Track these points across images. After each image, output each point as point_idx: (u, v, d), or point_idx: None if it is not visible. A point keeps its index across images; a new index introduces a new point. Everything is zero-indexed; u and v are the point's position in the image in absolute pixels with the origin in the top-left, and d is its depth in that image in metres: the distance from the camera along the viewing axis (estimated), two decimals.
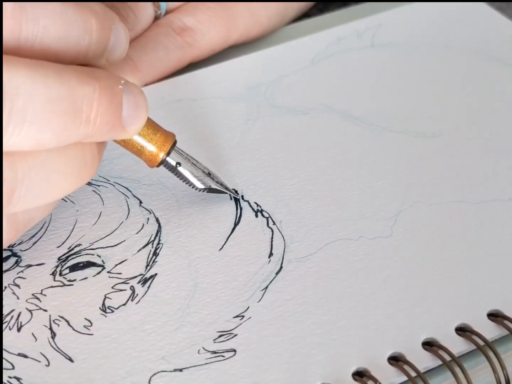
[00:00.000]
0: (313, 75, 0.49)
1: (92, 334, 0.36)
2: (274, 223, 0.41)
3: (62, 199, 0.41)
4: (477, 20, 0.53)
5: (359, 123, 0.46)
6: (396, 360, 0.35)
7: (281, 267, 0.39)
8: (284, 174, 0.43)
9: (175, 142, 0.39)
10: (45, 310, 0.37)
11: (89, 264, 0.38)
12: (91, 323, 0.36)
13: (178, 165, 0.39)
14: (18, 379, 0.34)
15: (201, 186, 0.40)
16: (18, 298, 0.37)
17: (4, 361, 0.35)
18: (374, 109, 0.47)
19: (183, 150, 0.40)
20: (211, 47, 0.50)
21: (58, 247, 0.39)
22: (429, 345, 0.36)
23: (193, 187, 0.40)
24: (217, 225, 0.40)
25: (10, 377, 0.34)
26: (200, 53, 0.50)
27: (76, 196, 0.42)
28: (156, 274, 0.38)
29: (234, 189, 0.42)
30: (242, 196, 0.42)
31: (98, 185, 0.42)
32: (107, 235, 0.40)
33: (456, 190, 0.42)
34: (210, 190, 0.41)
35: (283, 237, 0.40)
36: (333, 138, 0.45)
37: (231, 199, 0.42)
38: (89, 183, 0.42)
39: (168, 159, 0.39)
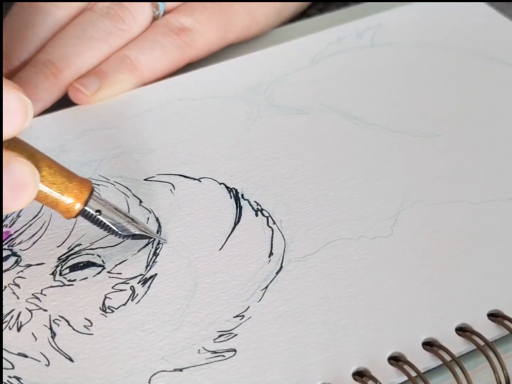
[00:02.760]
0: (313, 75, 0.49)
1: (92, 334, 0.36)
2: (274, 223, 0.41)
3: None
4: (477, 20, 0.53)
5: (359, 123, 0.46)
6: (396, 360, 0.35)
7: (281, 267, 0.39)
8: (284, 173, 0.43)
9: (92, 190, 0.37)
10: (45, 310, 0.37)
11: (89, 264, 0.38)
12: (91, 323, 0.36)
13: (98, 213, 0.38)
14: (18, 378, 0.34)
15: (124, 233, 0.38)
16: (18, 298, 0.37)
17: (4, 361, 0.35)
18: (374, 108, 0.47)
19: (102, 197, 0.39)
20: (209, 47, 0.50)
21: (58, 246, 0.39)
22: (429, 345, 0.36)
23: (115, 235, 0.38)
24: (217, 225, 0.40)
25: (10, 377, 0.34)
26: (198, 53, 0.50)
27: None
28: (156, 274, 0.38)
29: (235, 189, 0.42)
30: (242, 195, 0.42)
31: (98, 185, 0.42)
32: (107, 235, 0.40)
33: (456, 190, 0.42)
34: (134, 236, 0.39)
35: (283, 236, 0.40)
36: (333, 138, 0.45)
37: (154, 243, 0.39)
38: None
39: (87, 208, 0.37)
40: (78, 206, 0.37)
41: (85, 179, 0.37)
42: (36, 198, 0.36)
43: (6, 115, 0.34)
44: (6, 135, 0.34)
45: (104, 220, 0.38)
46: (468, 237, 0.40)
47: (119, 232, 0.38)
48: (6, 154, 0.34)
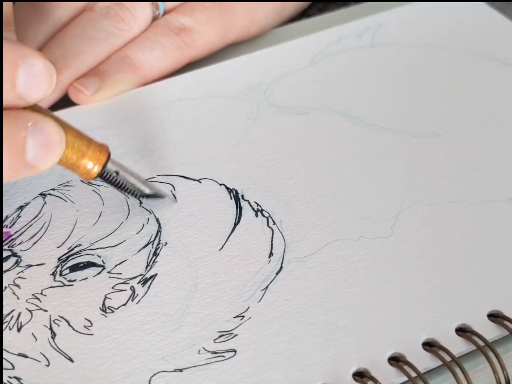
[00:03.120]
0: (313, 75, 0.49)
1: (92, 334, 0.36)
2: (274, 223, 0.41)
3: (62, 199, 0.41)
4: (477, 20, 0.53)
5: (359, 123, 0.46)
6: (396, 360, 0.35)
7: (281, 267, 0.39)
8: (284, 174, 0.43)
9: (109, 154, 0.39)
10: (45, 310, 0.37)
11: (89, 264, 0.38)
12: (91, 323, 0.36)
13: (117, 173, 0.39)
14: (18, 379, 0.34)
15: (147, 191, 0.40)
16: (18, 298, 0.37)
17: (4, 361, 0.35)
18: (374, 109, 0.47)
19: (118, 161, 0.40)
20: (209, 47, 0.50)
21: (58, 247, 0.39)
22: (429, 345, 0.36)
23: (135, 195, 0.40)
24: (217, 225, 0.40)
25: (10, 377, 0.34)
26: (198, 53, 0.50)
27: (76, 196, 0.42)
28: (156, 274, 0.38)
29: (235, 189, 0.42)
30: (242, 196, 0.42)
31: (98, 185, 0.42)
32: (107, 235, 0.40)
33: (456, 190, 0.42)
34: (148, 196, 0.41)
35: (283, 237, 0.40)
36: (333, 138, 0.45)
37: (175, 200, 0.41)
38: (89, 183, 0.42)
39: (107, 168, 0.39)
40: (97, 169, 0.38)
41: (102, 143, 0.39)
42: (59, 161, 0.37)
43: (33, 80, 0.35)
44: (32, 100, 0.36)
45: (122, 180, 0.40)
46: (468, 237, 0.40)
47: (142, 189, 0.40)
48: (34, 115, 0.36)
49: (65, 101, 0.47)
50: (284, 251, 0.39)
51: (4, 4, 0.39)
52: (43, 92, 0.36)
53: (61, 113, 0.46)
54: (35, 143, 0.35)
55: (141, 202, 0.41)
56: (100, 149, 0.38)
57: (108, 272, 0.38)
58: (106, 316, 0.36)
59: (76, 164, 0.38)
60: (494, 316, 0.37)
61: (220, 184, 0.42)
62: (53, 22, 0.48)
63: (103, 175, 0.39)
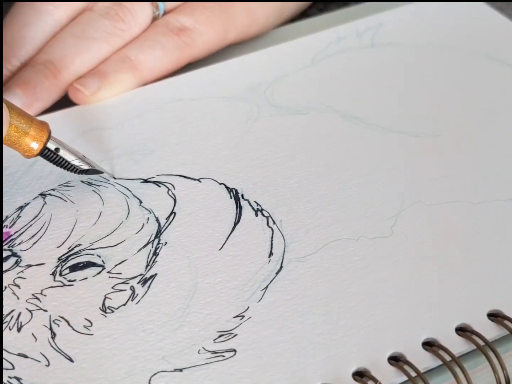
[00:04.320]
0: (313, 75, 0.49)
1: (92, 334, 0.36)
2: (274, 223, 0.41)
3: (62, 199, 0.41)
4: (477, 20, 0.53)
5: (359, 123, 0.46)
6: (396, 360, 0.35)
7: (281, 267, 0.39)
8: (284, 174, 0.43)
9: (50, 132, 0.40)
10: (45, 310, 0.37)
11: (89, 264, 0.38)
12: (91, 323, 0.36)
13: (57, 151, 0.41)
14: (18, 379, 0.34)
15: (86, 167, 0.42)
16: (18, 298, 0.37)
17: (4, 361, 0.35)
18: (374, 109, 0.47)
19: (58, 138, 0.41)
20: (209, 47, 0.50)
21: (58, 247, 0.39)
22: (429, 345, 0.36)
23: (74, 170, 0.42)
24: (217, 225, 0.40)
25: (10, 377, 0.34)
26: (199, 53, 0.50)
27: (76, 196, 0.42)
28: (156, 274, 0.38)
29: (235, 189, 0.42)
30: (242, 195, 0.42)
31: (98, 185, 0.42)
32: (107, 235, 0.40)
33: (456, 190, 0.42)
34: (89, 171, 0.42)
35: (283, 236, 0.40)
36: (333, 138, 0.45)
37: (112, 176, 0.43)
38: (89, 183, 0.42)
39: (48, 145, 0.40)
40: (38, 147, 0.40)
41: (43, 121, 0.40)
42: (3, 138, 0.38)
43: None
44: None
45: (65, 156, 0.41)
46: (468, 237, 0.40)
47: (80, 166, 0.41)
48: None
49: (65, 101, 0.47)
50: (284, 251, 0.39)
51: None
52: None
53: (61, 113, 0.46)
54: None
55: (141, 202, 0.41)
56: (41, 127, 0.40)
57: (108, 272, 0.38)
58: (106, 316, 0.36)
59: (17, 142, 0.39)
60: (494, 316, 0.37)
61: (220, 184, 0.42)
62: (53, 22, 0.48)
63: (44, 153, 0.40)
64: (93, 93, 0.47)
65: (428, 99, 0.48)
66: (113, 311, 0.37)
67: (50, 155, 0.41)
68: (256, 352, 0.35)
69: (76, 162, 0.41)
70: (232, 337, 0.36)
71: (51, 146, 0.40)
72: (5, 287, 0.37)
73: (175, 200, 0.41)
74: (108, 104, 0.47)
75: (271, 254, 0.39)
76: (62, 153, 0.41)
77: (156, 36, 0.49)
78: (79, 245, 0.39)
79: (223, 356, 0.35)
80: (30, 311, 0.37)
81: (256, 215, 0.41)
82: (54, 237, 0.40)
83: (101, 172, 0.42)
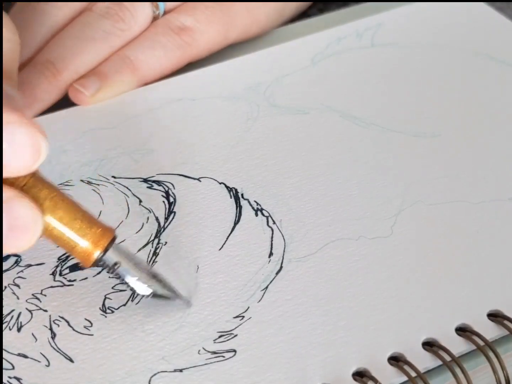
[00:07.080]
0: (313, 75, 0.49)
1: (92, 335, 0.36)
2: (274, 222, 0.41)
3: None
4: (477, 20, 0.53)
5: (359, 123, 0.46)
6: (396, 360, 0.35)
7: (281, 267, 0.39)
8: (284, 173, 0.43)
9: (114, 238, 0.35)
10: (45, 310, 0.37)
11: None
12: (91, 324, 0.36)
13: (116, 265, 0.35)
14: (18, 379, 0.34)
15: (145, 292, 0.35)
16: (18, 298, 0.37)
17: (4, 361, 0.35)
18: (374, 109, 0.47)
19: (124, 247, 0.36)
20: (210, 47, 0.50)
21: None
22: (429, 345, 0.36)
23: (134, 292, 0.36)
24: (217, 224, 0.40)
25: (10, 377, 0.34)
26: (199, 52, 0.50)
27: (76, 196, 0.41)
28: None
29: (235, 188, 0.42)
30: (242, 195, 0.42)
31: (98, 185, 0.42)
32: None
33: (456, 190, 0.42)
34: (155, 296, 0.36)
35: (283, 236, 0.40)
36: (333, 138, 0.45)
37: (183, 305, 0.37)
38: (88, 183, 0.42)
39: (105, 257, 0.34)
40: (97, 254, 0.34)
41: (108, 226, 0.35)
42: (53, 239, 0.34)
43: (12, 150, 0.31)
44: (10, 173, 0.32)
45: (124, 274, 0.35)
46: (468, 237, 0.40)
47: (138, 290, 0.35)
48: (8, 191, 0.32)
49: (65, 102, 0.47)
50: (284, 251, 0.39)
51: (7, 57, 0.35)
52: (24, 163, 0.32)
53: (61, 114, 0.46)
54: (4, 224, 0.32)
55: (141, 201, 0.41)
56: (102, 232, 0.34)
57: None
58: (106, 316, 0.36)
59: (74, 245, 0.34)
60: (494, 316, 0.37)
61: (220, 183, 0.42)
62: (53, 23, 0.48)
63: (100, 263, 0.35)
64: (93, 94, 0.47)
65: (428, 99, 0.48)
66: (113, 311, 0.37)
67: (108, 268, 0.35)
68: (256, 352, 0.35)
69: (139, 284, 0.35)
70: (232, 338, 0.36)
71: (111, 258, 0.34)
72: (5, 287, 0.37)
73: (175, 199, 0.41)
74: (108, 104, 0.47)
75: (271, 254, 0.39)
76: (123, 269, 0.35)
77: (157, 36, 0.49)
78: None
79: (223, 356, 0.35)
80: (30, 311, 0.37)
81: (256, 214, 0.41)
82: None
83: (171, 298, 0.36)
